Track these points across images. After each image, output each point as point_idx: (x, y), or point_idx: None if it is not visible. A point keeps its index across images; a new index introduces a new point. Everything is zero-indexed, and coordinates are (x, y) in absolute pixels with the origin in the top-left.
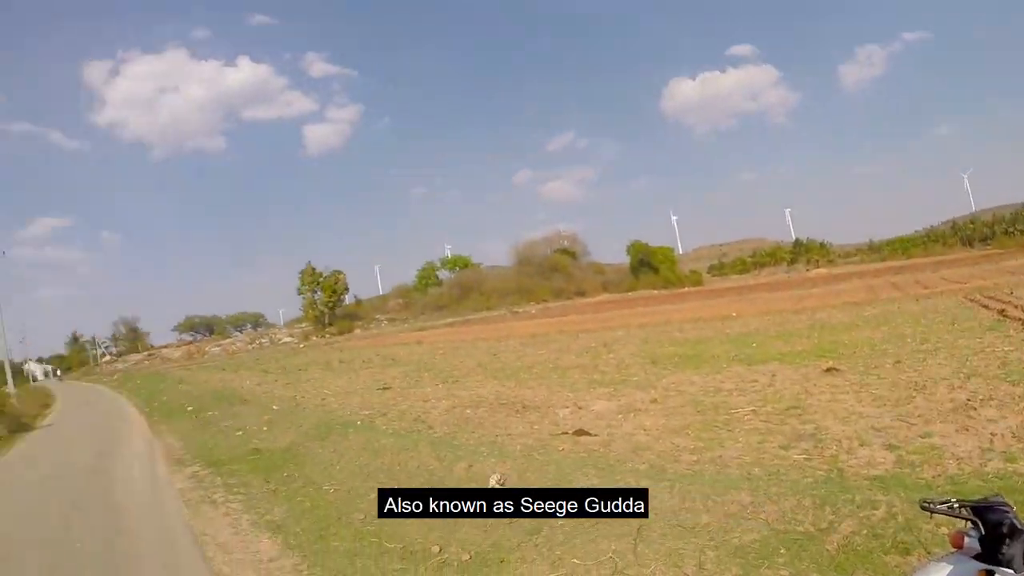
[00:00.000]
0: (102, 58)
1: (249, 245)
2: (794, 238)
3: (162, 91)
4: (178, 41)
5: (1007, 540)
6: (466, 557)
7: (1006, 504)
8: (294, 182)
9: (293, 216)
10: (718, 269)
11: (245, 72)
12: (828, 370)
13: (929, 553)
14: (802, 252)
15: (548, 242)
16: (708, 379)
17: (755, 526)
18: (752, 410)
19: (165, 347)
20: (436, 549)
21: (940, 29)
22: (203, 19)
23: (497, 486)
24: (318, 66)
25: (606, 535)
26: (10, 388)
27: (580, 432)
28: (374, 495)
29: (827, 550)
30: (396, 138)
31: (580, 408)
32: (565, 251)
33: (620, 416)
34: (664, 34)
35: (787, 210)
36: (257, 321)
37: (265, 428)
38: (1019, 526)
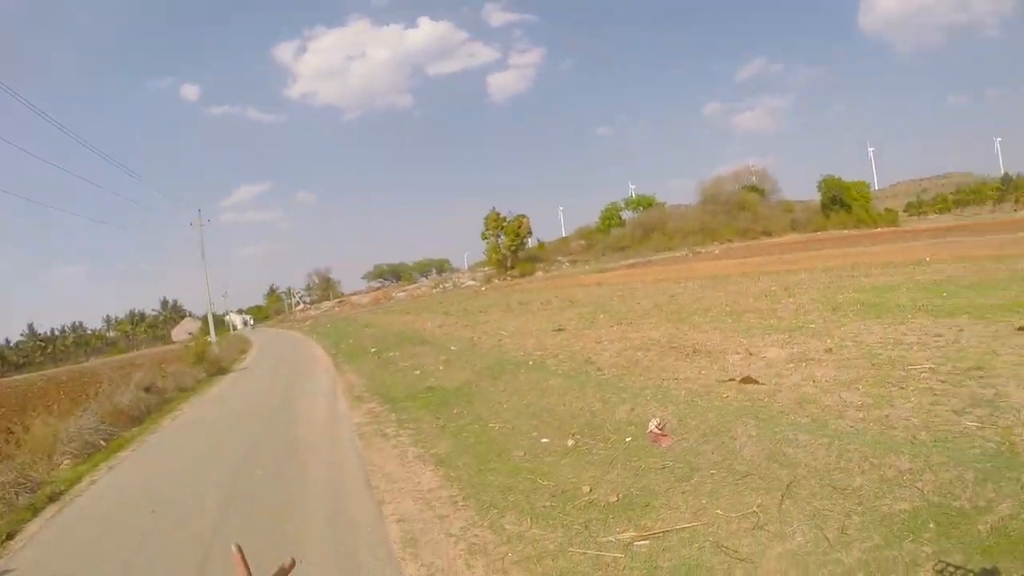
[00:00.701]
0: (291, 38)
1: (437, 194)
2: (1002, 172)
3: (349, 59)
4: (359, 12)
5: None
6: (614, 499)
7: None
8: (480, 130)
9: (480, 163)
10: (916, 207)
11: (426, 31)
12: (1022, 328)
13: None
14: (1011, 189)
15: (736, 178)
16: (889, 330)
17: (908, 495)
18: (931, 368)
19: (354, 294)
20: (586, 489)
21: None
22: None
23: (656, 431)
24: (497, 15)
25: (755, 488)
26: (212, 337)
27: (747, 380)
28: (536, 433)
29: (978, 530)
30: (580, 78)
31: (751, 354)
32: (753, 188)
33: (791, 365)
34: None
35: (997, 140)
36: (442, 266)
37: (441, 368)
38: None
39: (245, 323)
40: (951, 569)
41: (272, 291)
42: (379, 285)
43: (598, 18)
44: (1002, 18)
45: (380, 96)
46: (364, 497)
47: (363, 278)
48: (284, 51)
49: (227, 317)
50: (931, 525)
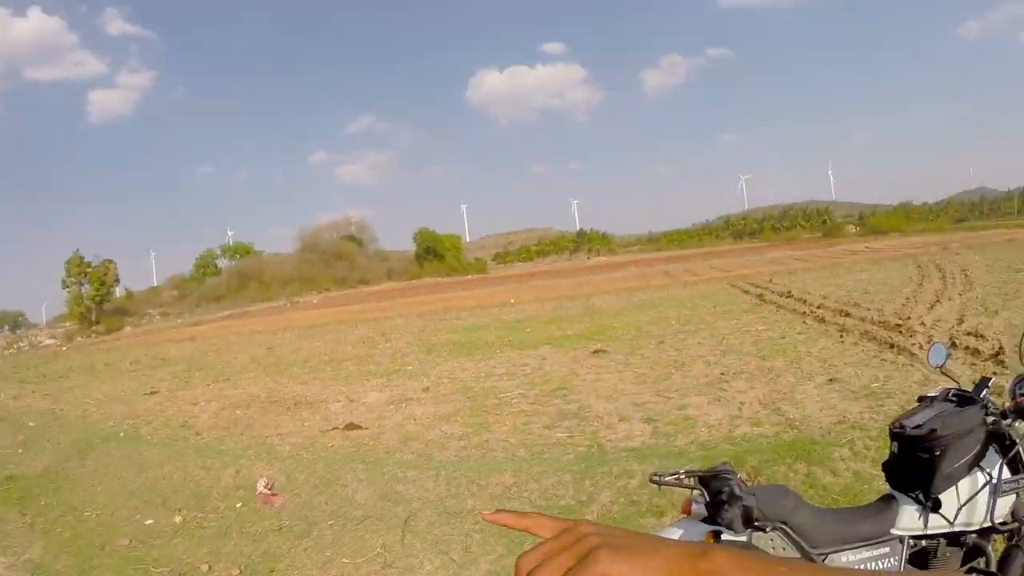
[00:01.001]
0: None
1: (14, 230)
2: (578, 228)
3: None
4: None
5: (726, 505)
6: (236, 572)
7: (730, 472)
8: (72, 154)
9: (68, 196)
10: (503, 257)
11: (35, 24)
12: (596, 352)
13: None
14: (585, 241)
15: (335, 228)
16: (480, 365)
17: (518, 505)
18: (520, 393)
19: None
20: (205, 567)
21: (741, 49)
22: None
23: (266, 491)
24: (116, 24)
25: (374, 530)
26: None
27: (350, 426)
28: (139, 515)
29: (587, 520)
30: (189, 111)
31: (352, 401)
32: (352, 238)
33: (392, 407)
34: (476, 24)
35: (574, 202)
36: (16, 321)
37: (20, 450)
38: (737, 492)
39: None
40: None
41: None
42: None
43: (219, 51)
44: (589, 108)
45: None
46: None
47: None
48: None
49: None
50: None
